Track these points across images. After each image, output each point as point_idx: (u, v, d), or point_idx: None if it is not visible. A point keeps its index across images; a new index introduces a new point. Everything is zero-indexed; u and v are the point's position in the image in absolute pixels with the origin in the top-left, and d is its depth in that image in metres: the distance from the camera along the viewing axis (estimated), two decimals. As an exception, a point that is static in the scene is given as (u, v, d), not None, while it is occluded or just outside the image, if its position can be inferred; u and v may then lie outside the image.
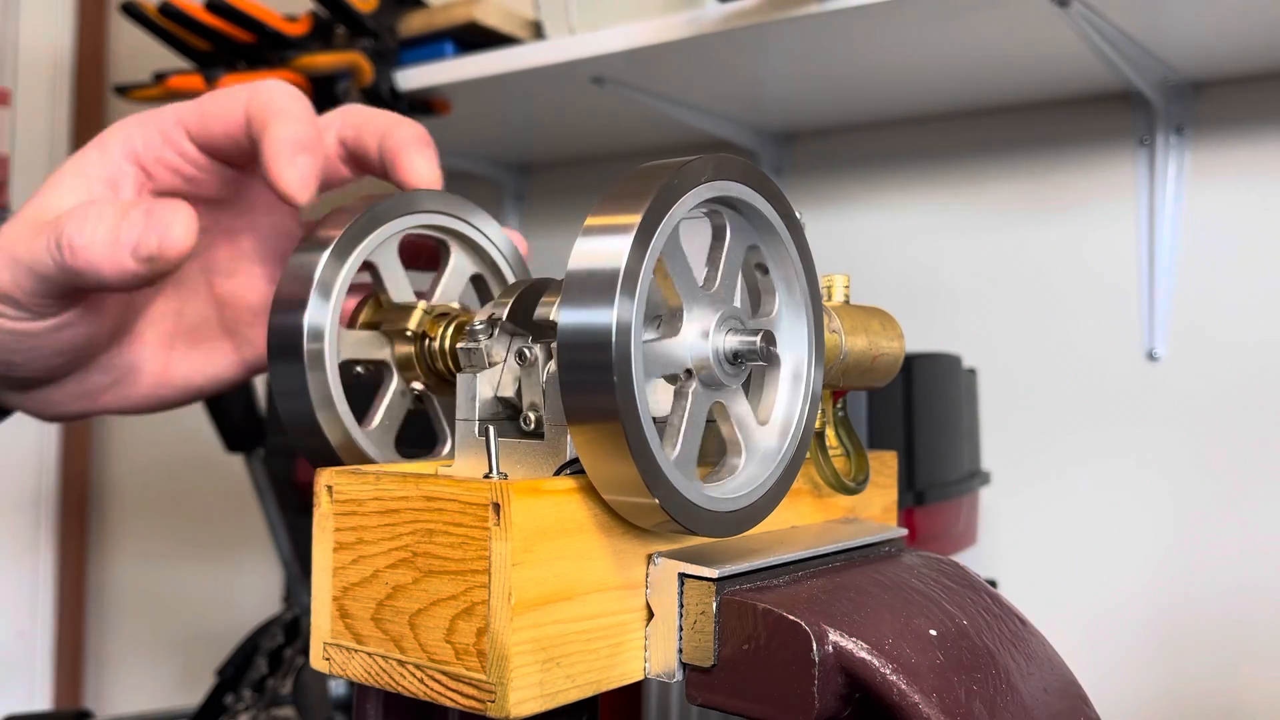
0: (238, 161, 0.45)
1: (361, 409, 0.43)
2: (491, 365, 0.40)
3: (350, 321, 0.44)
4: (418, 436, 0.46)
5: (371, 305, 0.45)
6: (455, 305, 0.46)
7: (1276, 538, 0.98)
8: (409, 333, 0.44)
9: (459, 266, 0.47)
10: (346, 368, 0.43)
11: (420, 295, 0.46)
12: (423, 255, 0.49)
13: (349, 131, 0.46)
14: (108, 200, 0.40)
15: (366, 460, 0.42)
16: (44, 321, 0.42)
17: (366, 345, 0.44)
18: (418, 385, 0.45)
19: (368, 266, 0.44)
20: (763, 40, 0.91)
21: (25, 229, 0.41)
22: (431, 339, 0.44)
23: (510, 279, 0.48)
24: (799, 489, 0.44)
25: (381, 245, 0.43)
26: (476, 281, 0.48)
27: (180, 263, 0.40)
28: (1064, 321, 1.08)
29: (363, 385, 0.45)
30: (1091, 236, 1.07)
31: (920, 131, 1.17)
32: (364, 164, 0.47)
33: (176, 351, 0.48)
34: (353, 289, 0.43)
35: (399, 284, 0.45)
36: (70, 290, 0.41)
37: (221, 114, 0.44)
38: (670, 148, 1.29)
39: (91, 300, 0.43)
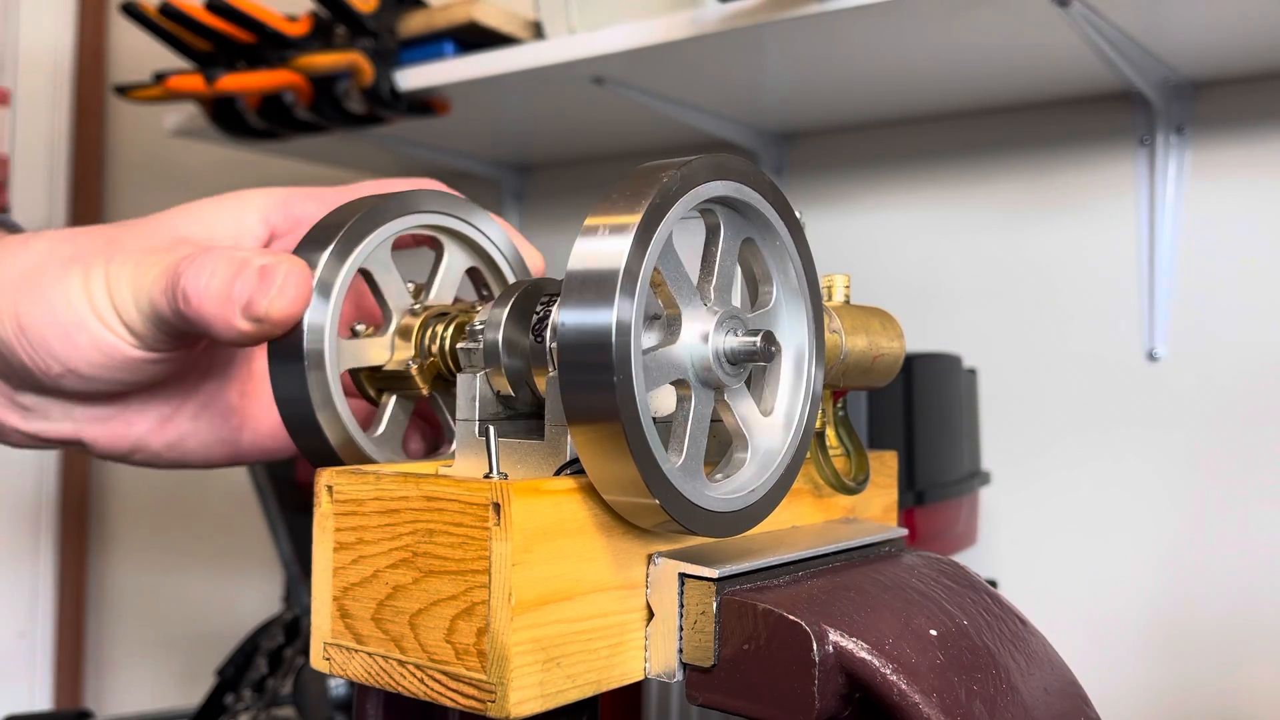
0: None
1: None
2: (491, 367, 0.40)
3: (352, 389, 0.44)
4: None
5: (369, 379, 0.45)
6: (451, 305, 0.46)
7: (1276, 538, 0.98)
8: (410, 391, 0.44)
9: (454, 264, 0.47)
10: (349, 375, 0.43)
11: (419, 290, 0.46)
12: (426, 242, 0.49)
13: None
14: (225, 249, 0.39)
15: (366, 460, 0.42)
16: (146, 353, 0.41)
17: (400, 422, 0.44)
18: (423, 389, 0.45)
19: (363, 274, 0.44)
20: (763, 40, 0.91)
21: (150, 252, 0.41)
22: (431, 342, 0.44)
23: (510, 278, 0.48)
24: (799, 489, 0.44)
25: (375, 251, 0.43)
26: (475, 279, 0.48)
27: (291, 324, 0.39)
28: (1064, 322, 1.08)
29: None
30: (1091, 236, 1.07)
31: (920, 131, 1.17)
32: None
33: (183, 411, 0.47)
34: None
35: (395, 289, 0.45)
36: (182, 334, 0.41)
37: None
38: (670, 148, 1.29)
39: (194, 346, 0.43)
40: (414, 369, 0.43)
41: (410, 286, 0.45)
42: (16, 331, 0.40)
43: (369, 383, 0.45)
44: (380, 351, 0.44)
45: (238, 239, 0.44)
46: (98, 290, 0.40)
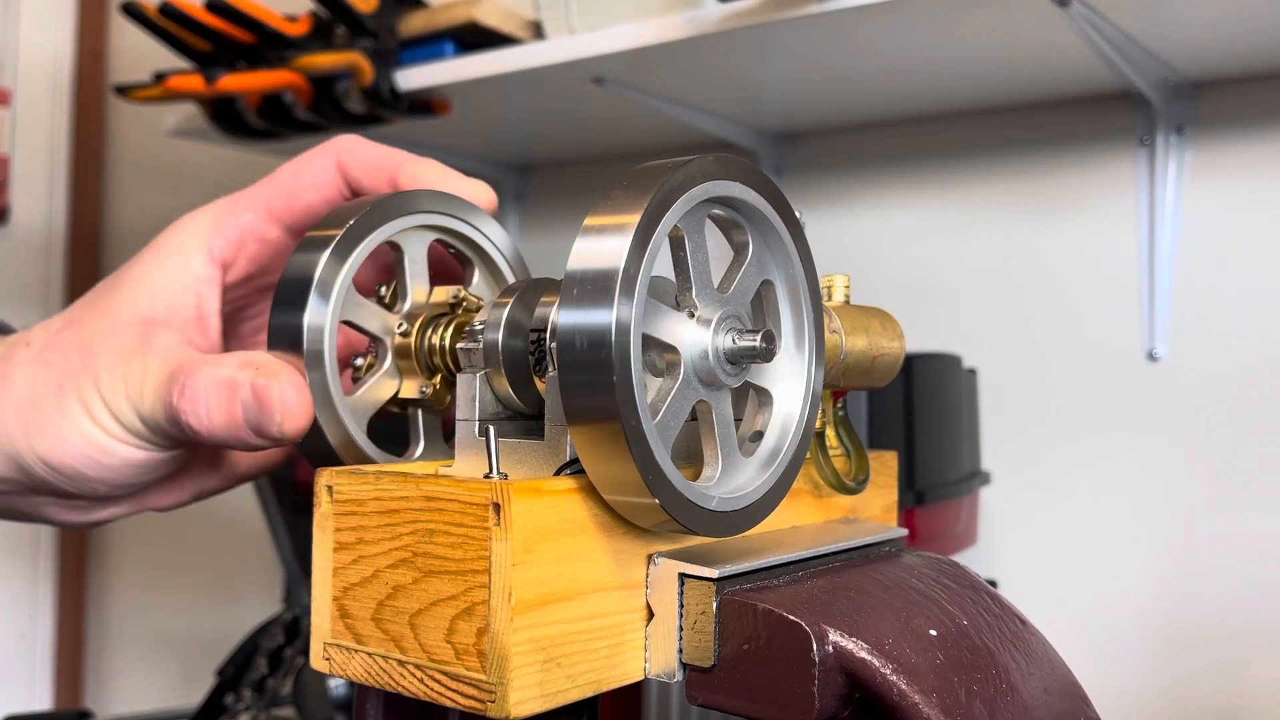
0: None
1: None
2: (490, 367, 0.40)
3: (364, 289, 0.44)
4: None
5: (391, 291, 0.45)
6: (428, 297, 0.46)
7: (1276, 538, 0.98)
8: (418, 312, 0.43)
9: (415, 255, 0.46)
10: (345, 327, 0.43)
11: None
12: (444, 269, 0.49)
13: (356, 169, 0.46)
14: (208, 364, 0.39)
15: (366, 460, 0.42)
16: (174, 451, 0.42)
17: (368, 316, 0.43)
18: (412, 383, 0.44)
19: (392, 246, 0.44)
20: (763, 40, 0.91)
21: (128, 340, 0.41)
22: (435, 329, 0.44)
23: (510, 278, 0.48)
24: (799, 489, 0.44)
25: (374, 251, 0.42)
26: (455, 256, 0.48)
27: (304, 433, 0.40)
28: (1064, 321, 1.08)
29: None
30: (1092, 236, 1.07)
31: (920, 131, 1.17)
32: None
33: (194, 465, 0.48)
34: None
35: (419, 275, 0.45)
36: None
37: (312, 181, 0.44)
38: (670, 148, 1.29)
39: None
40: (429, 394, 0.43)
41: (383, 290, 0.45)
42: (49, 471, 0.41)
43: (392, 404, 0.45)
44: (388, 386, 0.44)
45: (196, 291, 0.43)
46: (102, 415, 0.41)
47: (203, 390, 0.39)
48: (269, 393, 0.38)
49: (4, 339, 0.44)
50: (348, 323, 0.42)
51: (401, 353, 0.44)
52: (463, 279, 0.48)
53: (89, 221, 1.78)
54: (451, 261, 0.48)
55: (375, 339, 0.44)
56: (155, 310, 0.42)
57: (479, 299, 0.45)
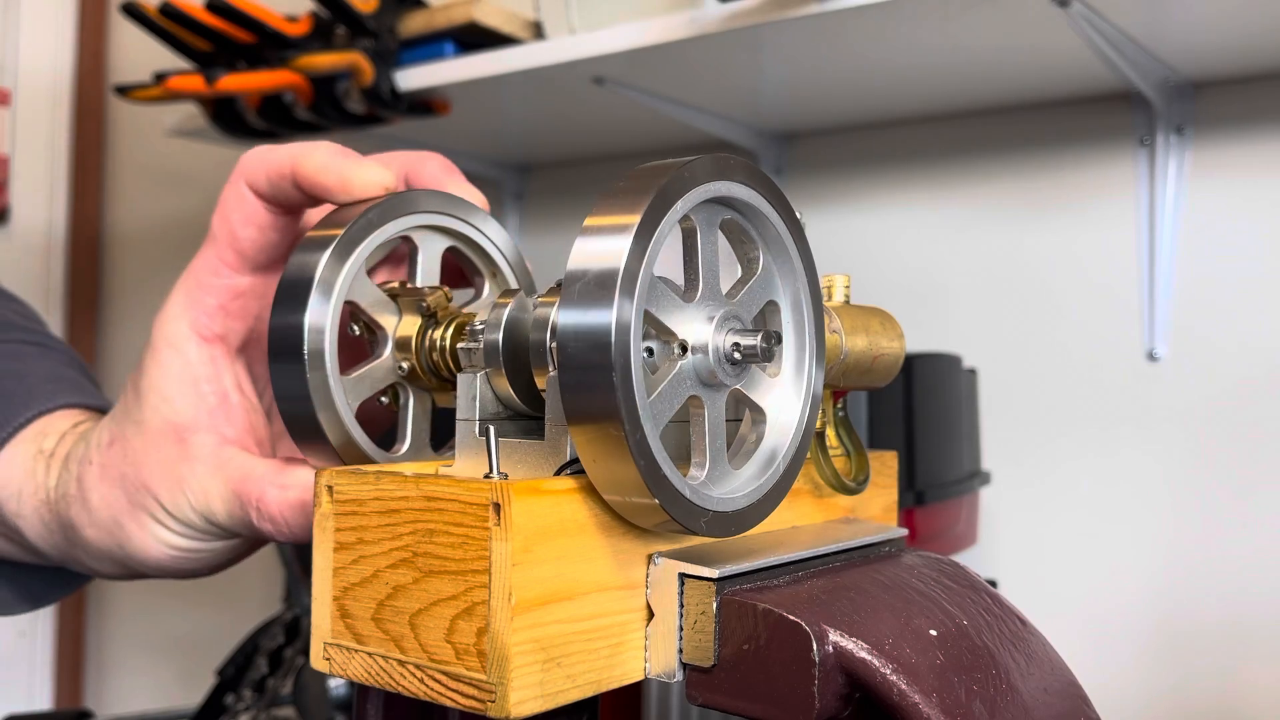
0: (291, 222, 0.46)
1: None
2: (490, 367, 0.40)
3: (370, 272, 0.44)
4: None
5: (397, 284, 0.45)
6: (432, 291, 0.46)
7: (1277, 538, 0.98)
8: (424, 303, 0.43)
9: (430, 254, 0.46)
10: (349, 309, 0.43)
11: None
12: (452, 274, 0.49)
13: (262, 185, 0.45)
14: (269, 485, 0.42)
15: (366, 460, 0.42)
16: (245, 536, 0.45)
17: (374, 302, 0.43)
18: (405, 365, 0.44)
19: (405, 240, 0.44)
20: (763, 40, 0.91)
21: (168, 453, 0.44)
22: (437, 324, 0.43)
23: (510, 278, 0.48)
24: (799, 489, 0.44)
25: (374, 252, 0.42)
26: (459, 258, 0.48)
27: None
28: (1064, 321, 1.08)
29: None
30: (1091, 236, 1.07)
31: (920, 131, 1.17)
32: None
33: None
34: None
35: (431, 275, 0.45)
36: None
37: (239, 217, 0.45)
38: (670, 148, 1.29)
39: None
40: (413, 339, 0.44)
41: (396, 284, 0.45)
42: (153, 569, 0.46)
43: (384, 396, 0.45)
44: (385, 373, 0.44)
45: (211, 383, 0.45)
46: (173, 524, 0.44)
47: (279, 512, 0.42)
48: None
49: (79, 456, 0.47)
50: (352, 304, 0.43)
51: (402, 345, 0.44)
52: (468, 280, 0.48)
53: (89, 221, 1.78)
54: (453, 262, 0.48)
55: (377, 327, 0.44)
56: (180, 415, 0.44)
57: (446, 291, 0.45)
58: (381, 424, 0.47)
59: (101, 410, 0.52)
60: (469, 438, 0.40)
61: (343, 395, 0.41)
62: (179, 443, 0.44)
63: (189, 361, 0.45)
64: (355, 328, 0.44)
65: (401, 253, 0.48)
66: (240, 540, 0.46)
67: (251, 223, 0.45)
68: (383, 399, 0.45)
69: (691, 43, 0.91)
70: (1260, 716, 0.98)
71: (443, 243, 0.46)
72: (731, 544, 0.38)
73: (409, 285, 0.45)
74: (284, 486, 0.42)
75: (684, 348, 0.35)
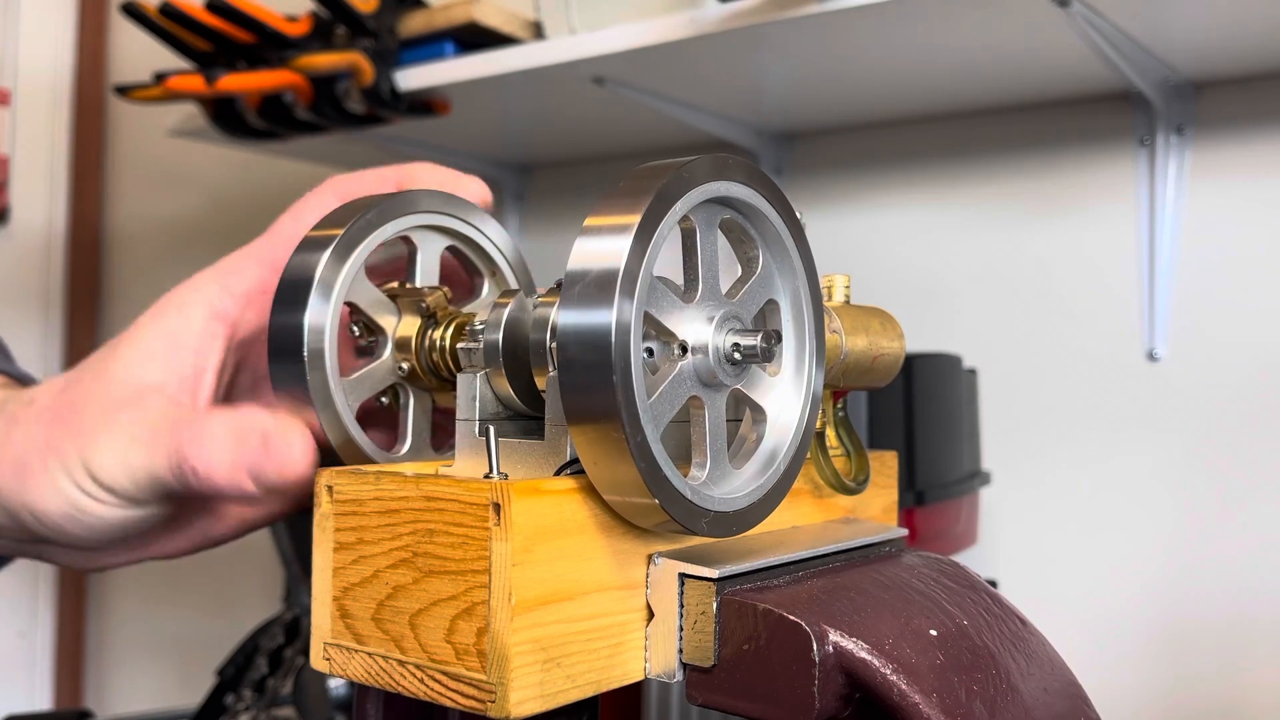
0: None
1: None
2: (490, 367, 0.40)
3: (370, 275, 0.44)
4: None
5: (396, 284, 0.45)
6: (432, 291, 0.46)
7: (1277, 538, 0.98)
8: (423, 304, 0.43)
9: (428, 253, 0.46)
10: (349, 310, 0.43)
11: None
12: (454, 279, 0.49)
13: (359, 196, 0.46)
14: (218, 417, 0.40)
15: (366, 460, 0.42)
16: (154, 509, 0.43)
17: (374, 302, 0.43)
18: (405, 365, 0.44)
19: (405, 241, 0.44)
20: (763, 40, 0.91)
21: (115, 399, 0.41)
22: (437, 325, 0.43)
23: (510, 278, 0.48)
24: (799, 489, 0.44)
25: (374, 252, 0.43)
26: (458, 257, 0.48)
27: (305, 487, 0.40)
28: (1064, 321, 1.08)
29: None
30: (1091, 236, 1.07)
31: (920, 131, 1.17)
32: None
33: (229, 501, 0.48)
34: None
35: (430, 271, 0.45)
36: (184, 494, 0.42)
37: (314, 223, 0.44)
38: (670, 148, 1.29)
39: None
40: (412, 339, 0.44)
41: (395, 284, 0.45)
42: (38, 523, 0.42)
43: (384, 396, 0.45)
44: (385, 374, 0.44)
45: (196, 353, 0.43)
46: (79, 474, 0.41)
47: (212, 435, 0.39)
48: (278, 438, 0.39)
49: (17, 395, 0.45)
50: (352, 305, 0.43)
51: (402, 346, 0.44)
52: (467, 280, 0.48)
53: (89, 221, 1.78)
54: (453, 262, 0.48)
55: (377, 328, 0.44)
56: (149, 372, 0.42)
57: (446, 291, 0.45)
58: (380, 424, 0.47)
59: (23, 381, 0.50)
60: (469, 438, 0.40)
61: (342, 396, 0.41)
62: (135, 394, 0.42)
63: (189, 327, 0.43)
64: (355, 328, 0.44)
65: (401, 261, 0.48)
66: (126, 516, 0.42)
67: None
68: (383, 399, 0.45)
69: (691, 43, 0.91)
70: (1261, 716, 0.98)
71: (442, 242, 0.46)
72: (731, 544, 0.38)
73: (408, 285, 0.45)
74: (234, 411, 0.40)
75: (684, 348, 0.35)
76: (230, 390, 0.48)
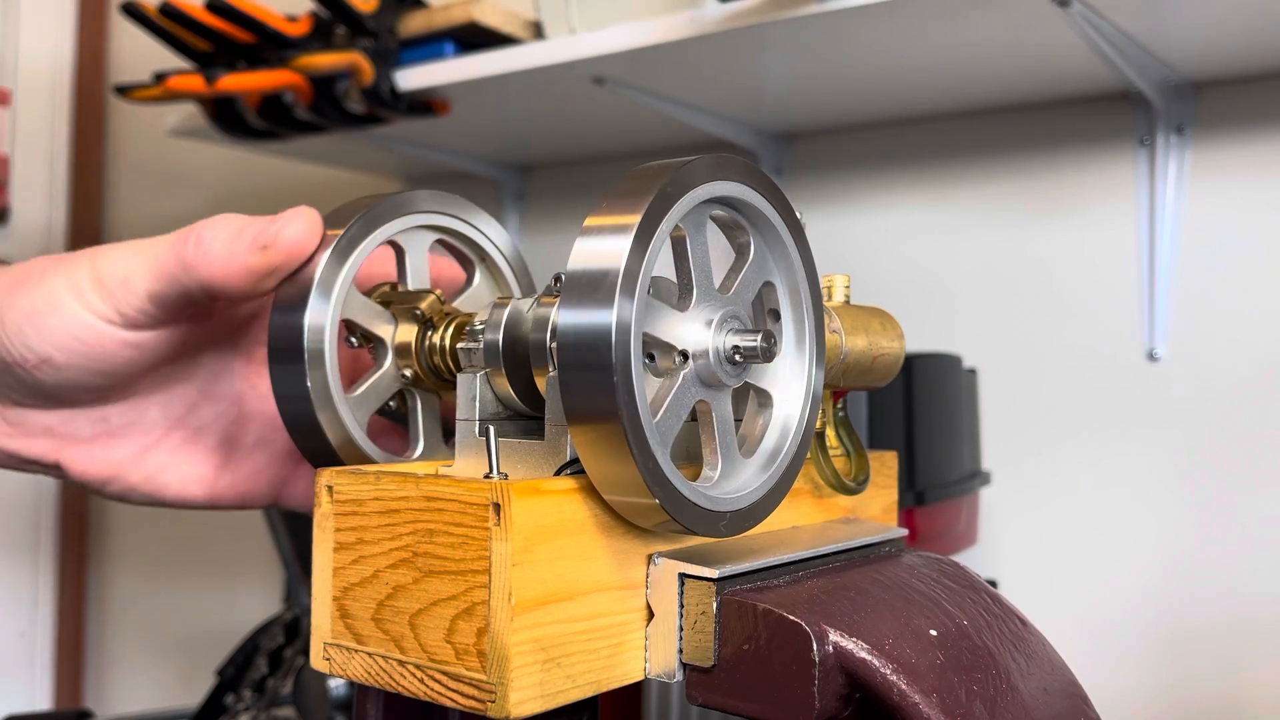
0: None
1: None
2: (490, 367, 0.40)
3: (363, 289, 0.44)
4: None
5: (388, 287, 0.45)
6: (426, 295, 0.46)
7: (1277, 538, 0.98)
8: (418, 310, 0.43)
9: (416, 252, 0.46)
10: (345, 325, 0.43)
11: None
12: (443, 277, 0.49)
13: None
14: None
15: (366, 460, 0.42)
16: (124, 332, 0.41)
17: (370, 315, 0.43)
18: (408, 372, 0.44)
19: (393, 246, 0.44)
20: (763, 40, 0.91)
21: (142, 240, 0.41)
22: (435, 328, 0.43)
23: (510, 278, 0.48)
24: (799, 489, 0.44)
25: (407, 232, 0.43)
26: (451, 252, 0.48)
27: (297, 262, 0.40)
28: (1064, 321, 1.08)
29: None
30: (1091, 236, 1.07)
31: (920, 131, 1.17)
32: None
33: (165, 441, 0.46)
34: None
35: (420, 275, 0.45)
36: (177, 302, 0.41)
37: None
38: (670, 148, 1.28)
39: (186, 325, 0.43)
40: (435, 292, 0.44)
41: (387, 287, 0.45)
42: (14, 344, 0.41)
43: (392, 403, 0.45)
44: (388, 385, 0.44)
45: None
46: (81, 274, 0.41)
47: (223, 222, 0.40)
48: (282, 215, 0.40)
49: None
50: (348, 321, 0.43)
51: (402, 352, 0.44)
52: (460, 274, 0.48)
53: (89, 221, 1.78)
54: (453, 261, 0.48)
55: (376, 338, 0.44)
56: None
57: (439, 294, 0.45)
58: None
59: None
60: (469, 438, 0.40)
61: (342, 395, 0.41)
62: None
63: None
64: (354, 340, 0.44)
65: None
66: (109, 340, 0.41)
67: None
68: (390, 403, 0.45)
69: (691, 43, 0.91)
70: (1261, 716, 0.98)
71: (429, 237, 0.46)
72: (731, 544, 0.38)
73: (400, 289, 0.45)
74: (238, 216, 0.40)
75: (684, 355, 0.35)
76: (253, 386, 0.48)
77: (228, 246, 0.39)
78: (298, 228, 0.40)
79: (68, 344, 0.41)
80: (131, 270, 0.40)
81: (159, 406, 0.46)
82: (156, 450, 0.46)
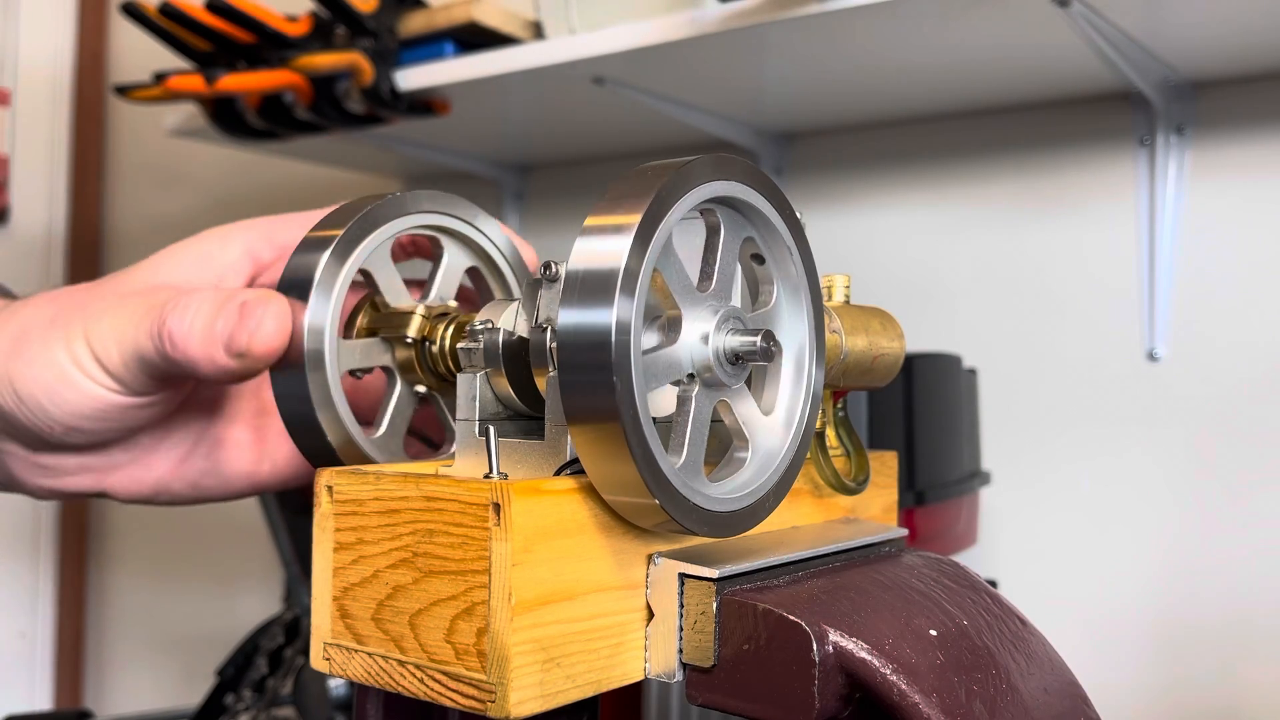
0: None
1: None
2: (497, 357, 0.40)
3: (347, 331, 0.44)
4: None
5: (368, 311, 0.45)
6: (453, 304, 0.46)
7: (1276, 537, 0.98)
8: (409, 339, 0.44)
9: (453, 264, 0.47)
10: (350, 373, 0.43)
11: (419, 287, 0.46)
12: (423, 248, 0.49)
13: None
14: (208, 290, 0.40)
15: (367, 460, 0.42)
16: (134, 398, 0.42)
17: (366, 353, 0.44)
18: (421, 388, 0.45)
19: (363, 274, 0.44)
20: (763, 40, 0.91)
21: (139, 299, 0.42)
22: (431, 342, 0.44)
23: (510, 277, 0.48)
24: (799, 489, 0.44)
25: (375, 250, 0.43)
26: (475, 279, 0.48)
27: (272, 360, 0.40)
28: (1064, 321, 1.08)
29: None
30: (1091, 236, 1.07)
31: (920, 131, 1.17)
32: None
33: (198, 449, 0.48)
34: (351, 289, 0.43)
35: (395, 288, 0.45)
36: (169, 376, 0.42)
37: None
38: (670, 148, 1.28)
39: (182, 386, 0.44)
40: (419, 312, 0.43)
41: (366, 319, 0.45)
42: (14, 398, 0.42)
43: (364, 315, 0.45)
44: (407, 401, 0.44)
45: (220, 277, 0.44)
46: (78, 346, 0.41)
47: (195, 300, 0.40)
48: (253, 306, 0.39)
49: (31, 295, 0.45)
50: (366, 274, 0.43)
51: (407, 368, 0.44)
52: (476, 299, 0.48)
53: (89, 221, 1.78)
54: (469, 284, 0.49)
55: (385, 307, 0.44)
56: (175, 276, 0.43)
57: (425, 312, 0.45)
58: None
59: (11, 296, 0.50)
60: (469, 438, 0.40)
61: (343, 397, 0.41)
62: (151, 290, 0.42)
63: (224, 253, 0.44)
64: (359, 373, 0.45)
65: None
66: (116, 402, 0.42)
67: None
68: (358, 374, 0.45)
69: (691, 43, 0.91)
70: (1260, 716, 0.98)
71: (466, 261, 0.46)
72: (731, 544, 0.38)
73: (382, 308, 0.44)
74: (212, 294, 0.40)
75: (677, 326, 0.35)
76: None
77: (203, 349, 0.39)
78: (270, 328, 0.39)
79: (86, 413, 0.42)
80: (123, 349, 0.41)
81: (184, 421, 0.47)
82: (192, 457, 0.47)
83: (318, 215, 0.45)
